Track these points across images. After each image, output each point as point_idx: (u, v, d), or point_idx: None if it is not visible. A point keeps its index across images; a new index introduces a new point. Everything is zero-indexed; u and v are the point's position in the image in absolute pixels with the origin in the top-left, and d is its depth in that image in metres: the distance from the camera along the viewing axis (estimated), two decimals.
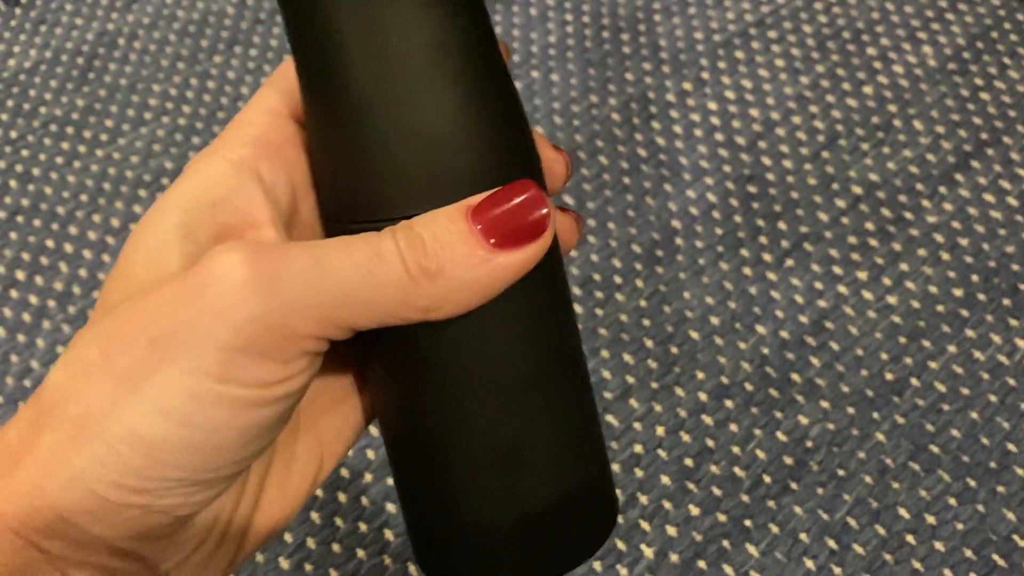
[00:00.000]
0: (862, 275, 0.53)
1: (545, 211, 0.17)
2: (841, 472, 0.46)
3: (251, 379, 0.16)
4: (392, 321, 0.17)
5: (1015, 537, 0.44)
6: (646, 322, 0.52)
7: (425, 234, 0.16)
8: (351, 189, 0.18)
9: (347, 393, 0.21)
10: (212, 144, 0.19)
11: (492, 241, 0.16)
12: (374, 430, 0.48)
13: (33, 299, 0.54)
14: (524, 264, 0.17)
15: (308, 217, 0.20)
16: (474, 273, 0.16)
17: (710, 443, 0.48)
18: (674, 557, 0.44)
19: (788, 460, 0.47)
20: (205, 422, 0.15)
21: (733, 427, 0.48)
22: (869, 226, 0.55)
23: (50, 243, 0.57)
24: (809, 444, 0.47)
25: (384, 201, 0.18)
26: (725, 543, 0.45)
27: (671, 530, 0.45)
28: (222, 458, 0.16)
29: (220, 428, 0.16)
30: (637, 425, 0.48)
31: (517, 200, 0.17)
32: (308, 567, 0.44)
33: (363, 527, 0.46)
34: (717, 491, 0.46)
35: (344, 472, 0.47)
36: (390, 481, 0.47)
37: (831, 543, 0.44)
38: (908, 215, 0.55)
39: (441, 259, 0.16)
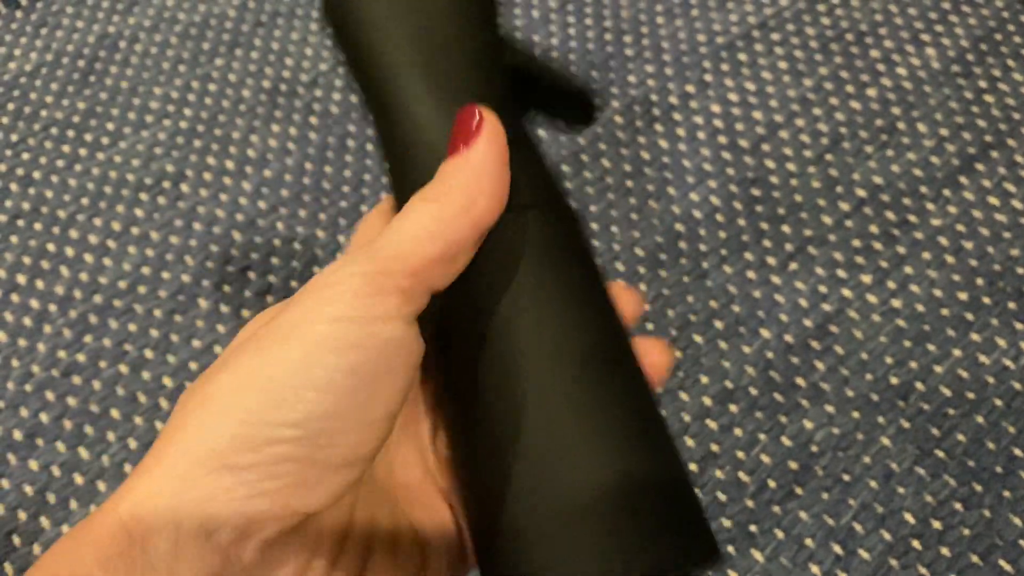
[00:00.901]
0: (866, 279, 0.53)
1: (478, 113, 0.21)
2: (846, 477, 0.46)
3: (362, 317, 0.18)
4: (455, 239, 0.20)
5: (1021, 542, 0.44)
6: (650, 326, 0.51)
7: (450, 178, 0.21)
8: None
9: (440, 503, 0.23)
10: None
11: (460, 147, 0.21)
12: None
13: (34, 303, 0.54)
14: (486, 144, 0.20)
15: None
16: (464, 169, 0.20)
17: (715, 448, 0.47)
18: None
19: (793, 465, 0.47)
20: (326, 361, 0.17)
21: (738, 432, 0.48)
22: (873, 229, 0.55)
23: (51, 247, 0.56)
24: (814, 449, 0.47)
25: None
26: (730, 549, 0.44)
27: None
28: (336, 403, 0.18)
29: (338, 368, 0.18)
30: None
31: (459, 120, 0.21)
32: None
33: None
34: (722, 496, 0.46)
35: None
36: None
37: (837, 548, 0.44)
38: (912, 218, 0.55)
39: (443, 183, 0.20)
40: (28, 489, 0.47)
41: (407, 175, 0.23)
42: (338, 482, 0.18)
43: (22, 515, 0.47)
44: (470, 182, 0.20)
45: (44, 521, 0.46)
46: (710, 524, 0.21)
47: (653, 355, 0.23)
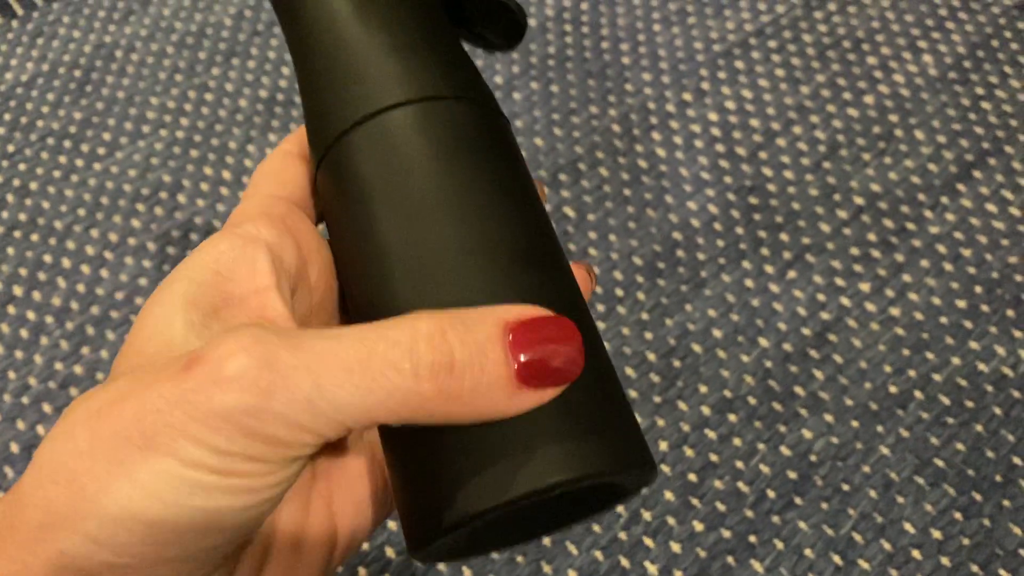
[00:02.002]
0: (865, 286, 0.53)
1: (579, 360, 0.16)
2: (846, 487, 0.46)
3: (242, 472, 0.15)
4: (388, 421, 0.16)
5: (1021, 552, 0.44)
6: (648, 335, 0.51)
7: (457, 348, 0.16)
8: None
9: (361, 471, 0.21)
10: (228, 219, 0.20)
11: (521, 377, 0.16)
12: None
13: (31, 315, 0.54)
14: (542, 401, 0.16)
15: (317, 281, 0.21)
16: (493, 402, 0.16)
17: (714, 458, 0.47)
18: (678, 574, 0.44)
19: (792, 474, 0.47)
20: (196, 506, 0.15)
21: (737, 441, 0.48)
22: (871, 237, 0.55)
23: (47, 258, 0.56)
24: (813, 458, 0.47)
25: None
26: (730, 559, 0.44)
27: (675, 547, 0.45)
28: (215, 538, 0.16)
29: (211, 512, 0.16)
30: None
31: (559, 344, 0.16)
32: None
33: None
34: (721, 506, 0.46)
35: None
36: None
37: (836, 559, 0.44)
38: (910, 225, 0.55)
39: (466, 383, 0.16)
40: None
41: (323, 100, 0.21)
42: (233, 547, 0.17)
43: None
44: (477, 410, 0.16)
45: None
46: (644, 437, 0.19)
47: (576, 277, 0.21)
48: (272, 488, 0.16)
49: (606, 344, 0.51)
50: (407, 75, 0.20)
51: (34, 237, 0.57)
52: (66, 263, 0.56)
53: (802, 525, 0.45)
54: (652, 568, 0.44)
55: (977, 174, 0.57)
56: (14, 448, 0.49)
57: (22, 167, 0.61)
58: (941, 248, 0.54)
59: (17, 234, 0.57)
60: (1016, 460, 0.46)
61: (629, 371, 0.50)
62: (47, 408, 0.50)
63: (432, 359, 0.16)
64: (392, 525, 0.46)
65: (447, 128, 0.20)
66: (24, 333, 0.53)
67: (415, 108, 0.20)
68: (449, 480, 0.17)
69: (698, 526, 0.45)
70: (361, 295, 0.19)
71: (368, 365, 0.15)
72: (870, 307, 0.52)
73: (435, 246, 0.18)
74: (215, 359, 0.15)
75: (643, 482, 0.18)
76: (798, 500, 0.46)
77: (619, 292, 0.53)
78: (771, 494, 0.46)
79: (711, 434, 0.48)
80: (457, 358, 0.16)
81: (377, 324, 0.16)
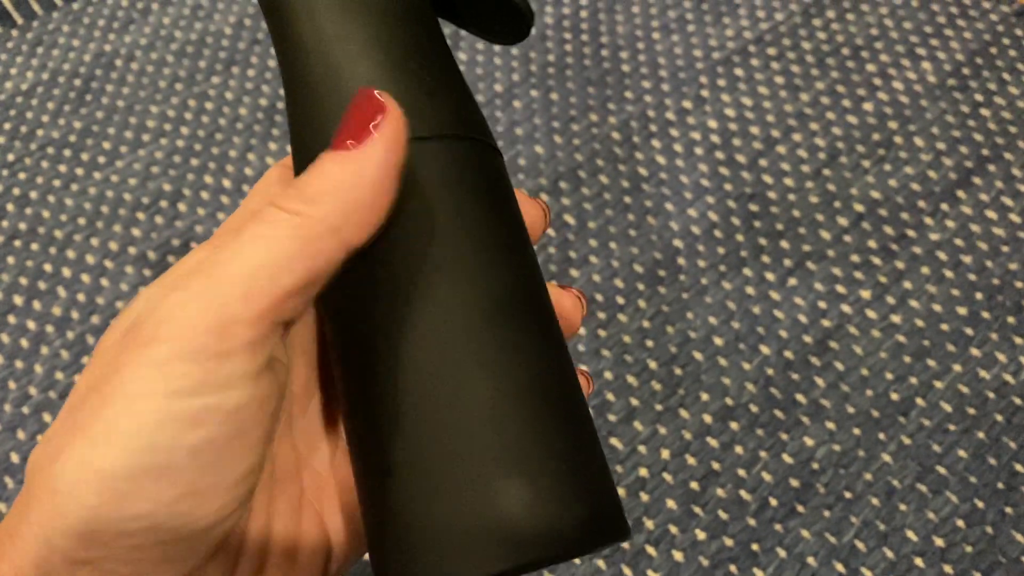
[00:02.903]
0: (865, 294, 0.53)
1: (382, 105, 0.17)
2: (848, 494, 0.46)
3: (202, 386, 0.15)
4: (316, 265, 0.16)
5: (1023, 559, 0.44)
6: (649, 343, 0.51)
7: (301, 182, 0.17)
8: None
9: (351, 484, 0.21)
10: (218, 229, 0.20)
11: (349, 143, 0.17)
12: None
13: (31, 324, 0.54)
14: (382, 148, 0.17)
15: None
16: (346, 174, 0.17)
17: (716, 466, 0.47)
18: None
19: (794, 482, 0.46)
20: (165, 443, 0.15)
21: (739, 449, 0.48)
22: (872, 244, 0.55)
23: (48, 267, 0.56)
24: (815, 466, 0.47)
25: None
26: (732, 568, 0.44)
27: (678, 555, 0.45)
28: (184, 485, 0.16)
29: (179, 448, 0.15)
30: (642, 448, 0.48)
31: (357, 105, 0.17)
32: None
33: None
34: (724, 515, 0.46)
35: None
36: None
37: (839, 567, 0.44)
38: (911, 232, 0.55)
39: (316, 185, 0.17)
40: None
41: (303, 120, 0.20)
42: (206, 543, 0.17)
43: None
44: (349, 191, 0.17)
45: None
46: (619, 497, 0.19)
47: (565, 305, 0.21)
48: (256, 381, 0.16)
49: (607, 353, 0.51)
50: (421, 110, 0.19)
51: (34, 246, 0.57)
52: (66, 272, 0.56)
53: (804, 533, 0.45)
54: None
55: (977, 181, 0.57)
56: (14, 458, 0.49)
57: (22, 176, 0.60)
58: (941, 255, 0.54)
59: (17, 243, 0.57)
60: (1018, 467, 0.46)
61: (631, 379, 0.50)
62: (47, 418, 0.50)
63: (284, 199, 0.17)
64: None
65: (438, 172, 0.19)
66: (24, 343, 0.53)
67: (435, 144, 0.19)
68: (422, 546, 0.17)
69: (700, 535, 0.45)
70: (340, 321, 0.19)
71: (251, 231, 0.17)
72: (871, 314, 0.52)
73: (417, 295, 0.18)
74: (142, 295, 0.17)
75: (615, 543, 0.19)
76: (800, 508, 0.46)
77: (620, 300, 0.53)
78: (773, 502, 0.46)
79: (713, 442, 0.48)
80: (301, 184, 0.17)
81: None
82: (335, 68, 0.19)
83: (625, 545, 0.45)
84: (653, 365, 0.50)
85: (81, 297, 0.55)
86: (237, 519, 0.17)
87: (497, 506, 0.17)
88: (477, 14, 0.23)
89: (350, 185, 0.17)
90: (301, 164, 0.20)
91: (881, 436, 0.48)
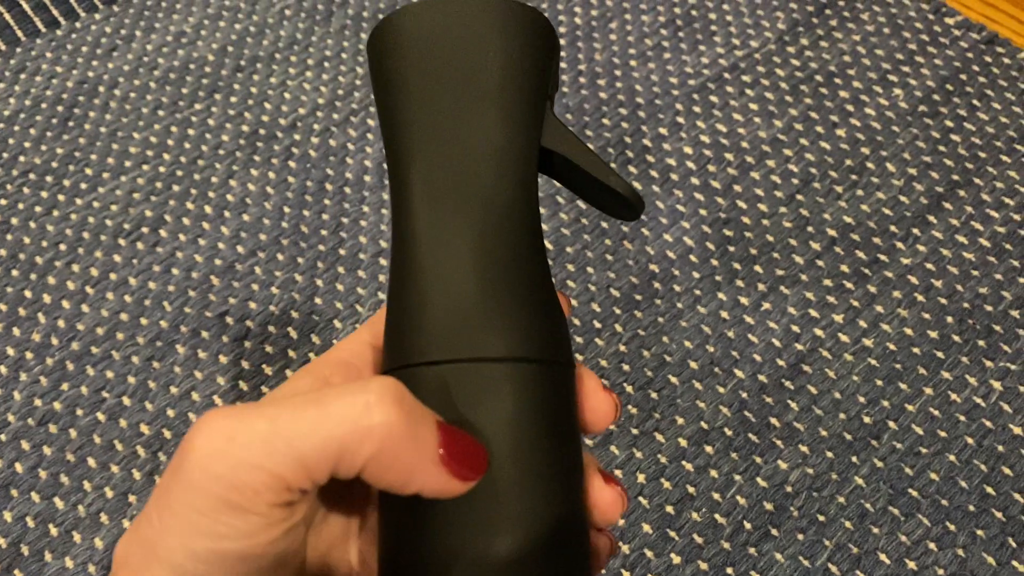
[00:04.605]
0: (838, 318, 0.53)
1: (483, 466, 0.19)
2: (821, 517, 0.46)
3: (236, 532, 0.18)
4: (343, 474, 0.18)
5: None
6: (626, 367, 0.52)
7: (402, 409, 0.18)
8: (399, 339, 0.21)
9: None
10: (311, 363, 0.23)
11: (446, 451, 0.19)
12: None
13: (10, 351, 0.54)
14: (463, 485, 0.19)
15: None
16: (425, 466, 0.18)
17: (691, 490, 0.48)
18: None
19: (768, 506, 0.47)
20: (211, 572, 0.18)
21: (714, 473, 0.48)
22: (844, 268, 0.55)
23: (28, 293, 0.56)
24: (789, 489, 0.47)
25: (419, 348, 0.21)
26: None
27: None
28: None
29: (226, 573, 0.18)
30: (618, 472, 0.48)
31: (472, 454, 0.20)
32: None
33: None
34: (699, 539, 0.46)
35: None
36: None
37: None
38: (883, 257, 0.56)
39: (407, 431, 0.18)
40: (1, 541, 0.47)
41: (395, 285, 0.22)
42: None
43: None
44: (404, 448, 0.18)
45: (17, 575, 0.46)
46: None
47: (605, 498, 0.23)
48: (266, 548, 0.19)
49: None
50: (499, 330, 0.21)
51: (15, 272, 0.57)
52: (47, 298, 0.56)
53: (779, 556, 0.45)
54: None
55: (948, 205, 0.58)
56: None
57: (3, 202, 0.61)
58: (913, 279, 0.55)
59: None
60: (989, 489, 0.47)
61: None
62: (25, 445, 0.50)
63: (383, 409, 0.18)
64: None
65: (524, 397, 0.21)
66: (3, 369, 0.53)
67: (505, 367, 0.21)
68: None
69: (676, 559, 0.46)
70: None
71: (321, 402, 0.18)
72: (844, 338, 0.53)
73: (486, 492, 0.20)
74: (193, 436, 0.18)
75: None
76: (774, 531, 0.46)
77: (597, 324, 0.54)
78: (748, 526, 0.46)
79: (688, 466, 0.48)
80: (402, 412, 0.18)
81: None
82: (437, 274, 0.21)
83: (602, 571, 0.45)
84: (630, 389, 0.51)
85: (61, 323, 0.55)
86: None
87: None
88: (589, 194, 0.25)
89: (412, 453, 0.18)
90: (395, 353, 0.22)
91: (854, 459, 0.48)
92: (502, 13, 0.22)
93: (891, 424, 0.49)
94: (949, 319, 0.53)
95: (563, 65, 0.67)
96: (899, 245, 0.56)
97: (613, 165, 0.61)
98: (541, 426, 0.21)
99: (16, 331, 0.55)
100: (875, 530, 0.46)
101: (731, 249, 0.56)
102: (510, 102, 0.22)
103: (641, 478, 0.48)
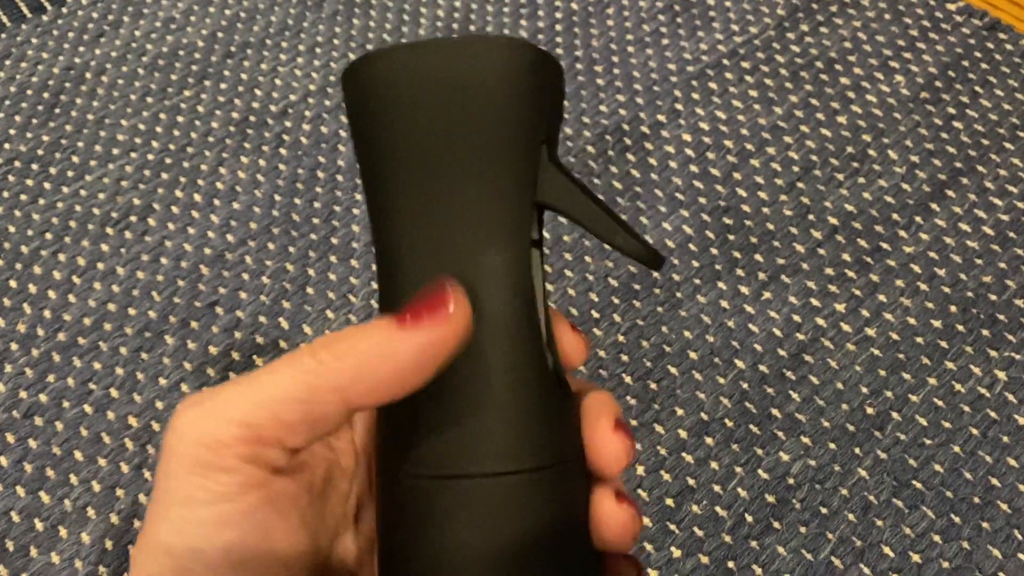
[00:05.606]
0: (840, 307, 0.52)
1: (447, 296, 0.18)
2: (824, 510, 0.46)
3: (208, 495, 0.18)
4: (315, 410, 0.18)
5: (1001, 574, 0.44)
6: (624, 358, 0.51)
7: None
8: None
9: None
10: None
11: (407, 317, 0.18)
12: None
13: None
14: (427, 333, 0.18)
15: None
16: (371, 343, 0.18)
17: (691, 482, 0.47)
18: None
19: (770, 498, 0.46)
20: (197, 545, 0.18)
21: (714, 465, 0.47)
22: (846, 257, 0.54)
23: (13, 283, 0.55)
24: (791, 481, 0.47)
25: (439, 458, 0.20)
26: None
27: (653, 574, 0.44)
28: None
29: (211, 549, 0.18)
30: None
31: (427, 290, 0.19)
32: None
33: None
34: (699, 532, 0.45)
35: None
36: None
37: None
38: (885, 245, 0.55)
39: (343, 343, 0.18)
40: None
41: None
42: None
43: None
44: (367, 359, 0.18)
45: (2, 570, 0.45)
46: None
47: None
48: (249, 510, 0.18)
49: (582, 367, 0.50)
50: (515, 445, 0.20)
51: (0, 262, 0.56)
52: (32, 288, 0.55)
53: (781, 550, 0.45)
54: None
55: (950, 193, 0.57)
56: None
57: None
58: (916, 267, 0.54)
59: None
60: (994, 481, 0.46)
61: None
62: (10, 438, 0.49)
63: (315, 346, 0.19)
64: None
65: (535, 503, 0.20)
66: None
67: (516, 480, 0.20)
68: None
69: (676, 552, 0.45)
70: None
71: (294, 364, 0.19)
72: (846, 327, 0.52)
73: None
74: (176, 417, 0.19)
75: None
76: (776, 524, 0.45)
77: (595, 314, 0.53)
78: (749, 518, 0.45)
79: (688, 458, 0.47)
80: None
81: None
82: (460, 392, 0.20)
83: None
84: (628, 380, 0.50)
85: (47, 314, 0.54)
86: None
87: None
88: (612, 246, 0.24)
89: (374, 354, 0.18)
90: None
91: (857, 451, 0.47)
92: (487, 55, 0.20)
93: (895, 415, 0.48)
94: (953, 308, 0.52)
95: (559, 51, 0.66)
96: (902, 233, 0.55)
97: (611, 153, 0.60)
98: (527, 541, 0.20)
99: (1, 321, 0.53)
100: (879, 523, 0.45)
101: (731, 238, 0.56)
102: (496, 160, 0.20)
103: (640, 470, 0.47)
